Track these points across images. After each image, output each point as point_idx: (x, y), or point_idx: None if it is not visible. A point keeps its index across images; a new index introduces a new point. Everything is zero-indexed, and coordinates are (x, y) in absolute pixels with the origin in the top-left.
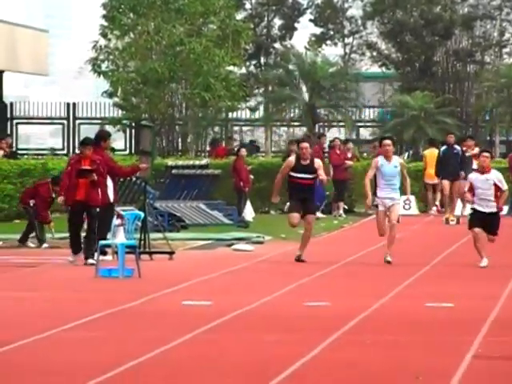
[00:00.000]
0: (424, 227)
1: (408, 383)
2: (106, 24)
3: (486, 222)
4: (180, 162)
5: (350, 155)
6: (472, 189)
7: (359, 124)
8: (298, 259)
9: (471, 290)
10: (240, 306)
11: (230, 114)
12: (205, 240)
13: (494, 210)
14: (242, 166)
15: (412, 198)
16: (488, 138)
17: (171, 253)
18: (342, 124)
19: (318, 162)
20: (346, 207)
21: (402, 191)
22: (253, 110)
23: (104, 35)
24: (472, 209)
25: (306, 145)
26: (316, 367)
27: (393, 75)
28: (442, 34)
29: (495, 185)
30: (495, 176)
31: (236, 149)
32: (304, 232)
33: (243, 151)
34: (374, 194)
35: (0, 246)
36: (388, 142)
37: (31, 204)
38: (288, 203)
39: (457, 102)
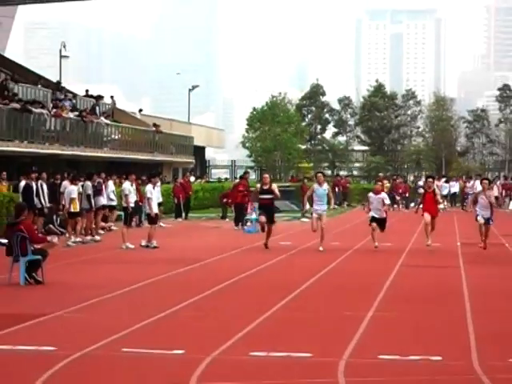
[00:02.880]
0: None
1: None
2: (247, 127)
3: (378, 222)
4: (279, 184)
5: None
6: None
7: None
8: (265, 246)
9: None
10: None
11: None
12: (288, 217)
13: (384, 216)
14: (305, 187)
15: None
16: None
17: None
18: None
19: (274, 186)
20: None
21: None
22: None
23: (247, 131)
24: (371, 216)
25: (266, 175)
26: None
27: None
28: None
29: (383, 201)
30: (383, 196)
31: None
32: (266, 231)
33: (305, 181)
34: (311, 205)
35: (204, 219)
36: (319, 174)
37: (224, 201)
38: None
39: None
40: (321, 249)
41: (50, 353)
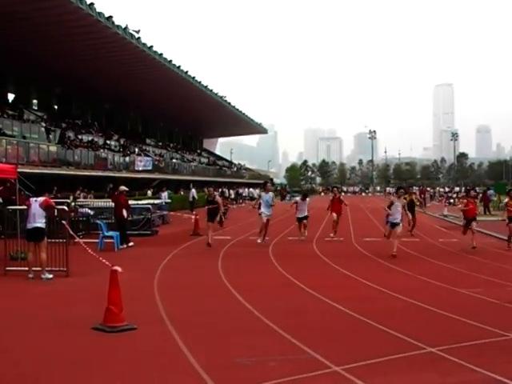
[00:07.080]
0: None
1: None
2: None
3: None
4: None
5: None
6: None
7: None
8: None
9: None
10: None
11: None
12: None
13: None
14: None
15: None
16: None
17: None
18: None
19: (218, 198)
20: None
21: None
22: None
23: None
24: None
25: (211, 189)
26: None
27: None
28: None
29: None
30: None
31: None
32: (210, 231)
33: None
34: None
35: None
36: (268, 184)
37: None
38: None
39: None
40: (259, 242)
41: (228, 239)
